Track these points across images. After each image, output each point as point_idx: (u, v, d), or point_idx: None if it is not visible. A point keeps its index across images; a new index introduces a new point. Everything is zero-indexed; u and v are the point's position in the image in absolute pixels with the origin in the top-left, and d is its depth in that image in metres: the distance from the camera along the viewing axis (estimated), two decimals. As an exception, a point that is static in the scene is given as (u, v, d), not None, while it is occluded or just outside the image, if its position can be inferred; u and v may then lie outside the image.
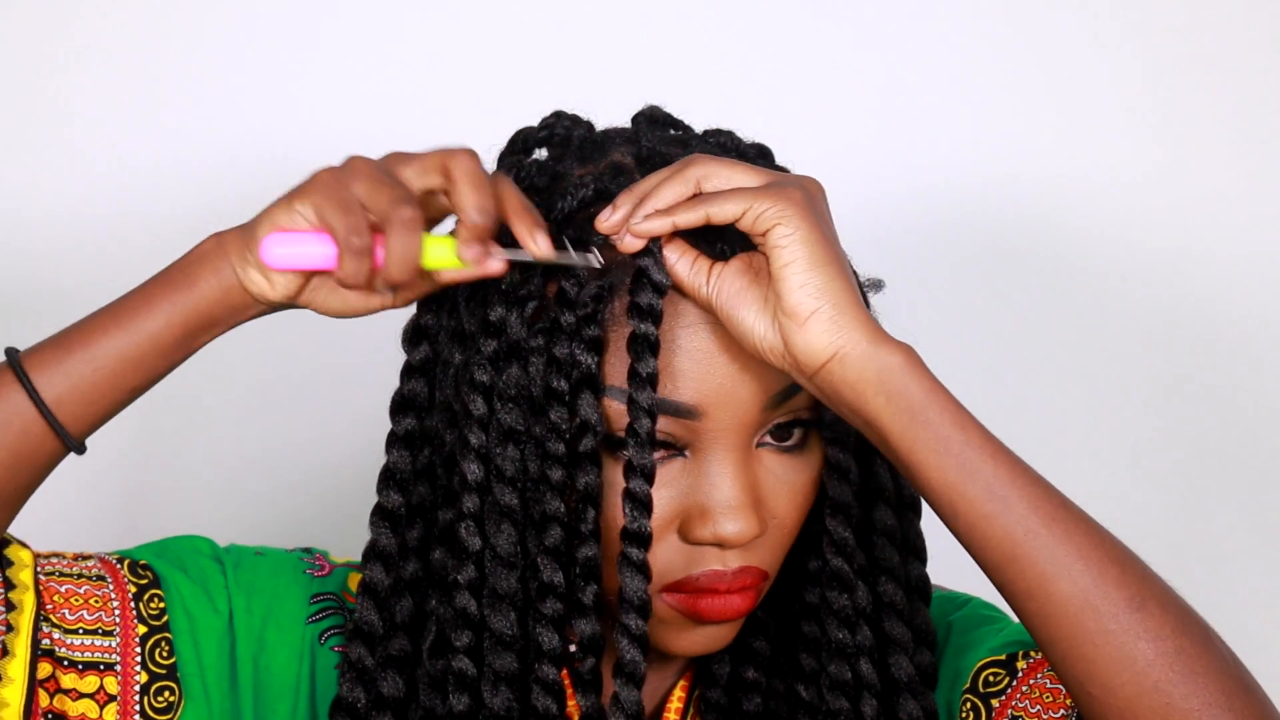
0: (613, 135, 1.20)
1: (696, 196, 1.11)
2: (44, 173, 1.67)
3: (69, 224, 1.66)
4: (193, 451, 1.68)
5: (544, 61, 1.68)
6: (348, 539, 1.28)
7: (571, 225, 1.14)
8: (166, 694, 1.18)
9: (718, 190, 1.10)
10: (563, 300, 1.12)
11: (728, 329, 1.11)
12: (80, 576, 1.18)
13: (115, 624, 1.17)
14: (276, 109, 1.68)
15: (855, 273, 1.19)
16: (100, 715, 1.16)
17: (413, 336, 1.19)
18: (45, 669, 1.15)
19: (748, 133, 1.23)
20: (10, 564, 1.16)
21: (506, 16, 1.69)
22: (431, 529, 1.18)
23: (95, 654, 1.17)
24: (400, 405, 1.19)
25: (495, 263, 1.11)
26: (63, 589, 1.17)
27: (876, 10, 1.71)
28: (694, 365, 1.12)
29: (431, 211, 1.13)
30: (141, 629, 1.18)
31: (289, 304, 1.15)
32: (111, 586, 1.18)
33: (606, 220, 1.12)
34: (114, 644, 1.17)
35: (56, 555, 1.18)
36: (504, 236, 1.12)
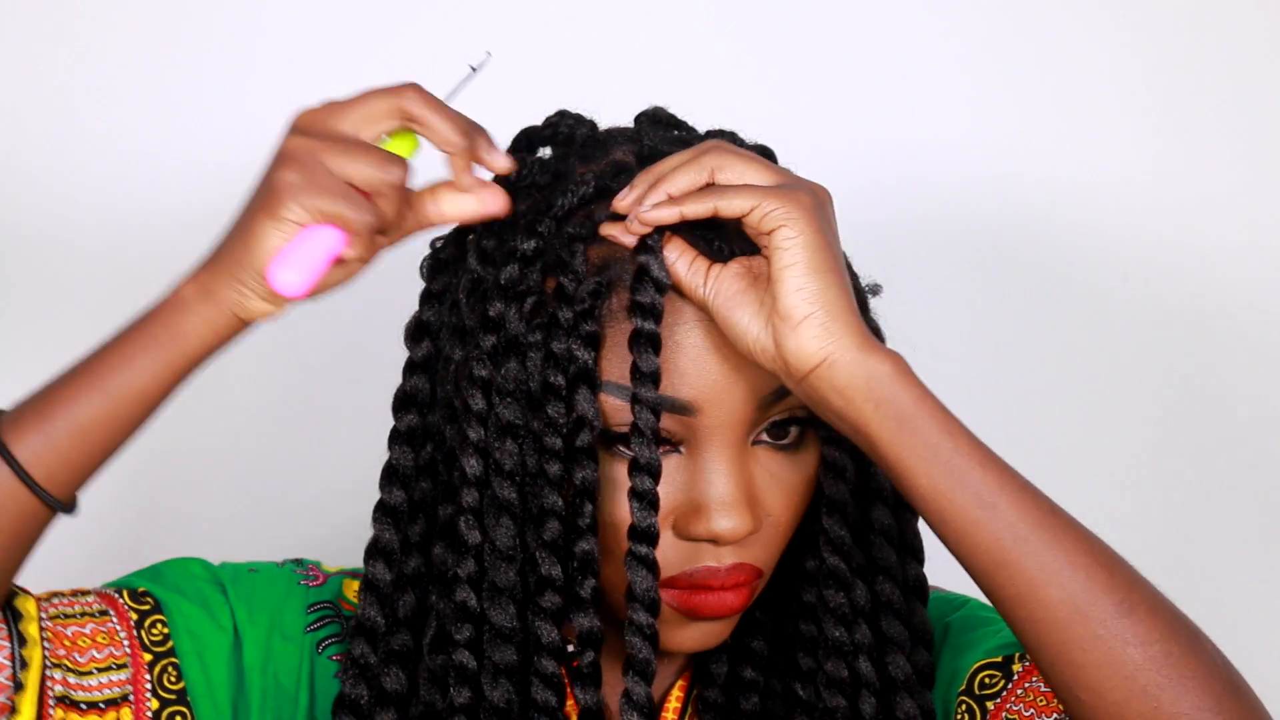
0: (615, 135, 1.20)
1: (708, 187, 1.12)
2: (43, 173, 1.66)
3: (68, 224, 1.66)
4: (191, 459, 1.68)
5: (548, 61, 1.68)
6: (346, 542, 1.28)
7: (572, 222, 1.15)
8: (178, 719, 1.18)
9: (729, 184, 1.11)
10: (561, 296, 1.13)
11: (722, 330, 1.12)
12: (84, 615, 1.17)
13: (126, 655, 1.17)
14: (277, 108, 1.67)
15: (856, 276, 1.19)
16: None
17: (415, 333, 1.20)
18: (60, 715, 1.14)
19: (750, 132, 1.23)
20: (21, 616, 1.15)
21: (512, 16, 1.69)
22: (433, 525, 1.18)
23: (111, 690, 1.16)
24: (402, 402, 1.19)
25: (495, 197, 1.13)
26: (69, 631, 1.16)
27: (877, 10, 1.71)
28: (690, 362, 1.13)
29: None
30: (148, 656, 1.18)
31: None
32: (115, 619, 1.17)
33: (622, 200, 1.13)
34: (126, 676, 1.17)
35: (56, 595, 1.18)
36: None
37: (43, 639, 1.14)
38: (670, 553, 1.15)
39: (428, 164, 1.14)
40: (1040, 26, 1.70)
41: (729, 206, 1.10)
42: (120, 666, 1.16)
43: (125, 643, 1.17)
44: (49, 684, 1.14)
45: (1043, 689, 1.17)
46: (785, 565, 1.20)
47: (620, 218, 1.13)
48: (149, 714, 1.17)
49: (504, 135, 1.19)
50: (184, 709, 1.18)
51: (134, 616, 1.18)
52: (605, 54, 1.70)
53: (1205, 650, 1.08)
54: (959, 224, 1.70)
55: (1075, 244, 1.70)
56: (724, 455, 1.13)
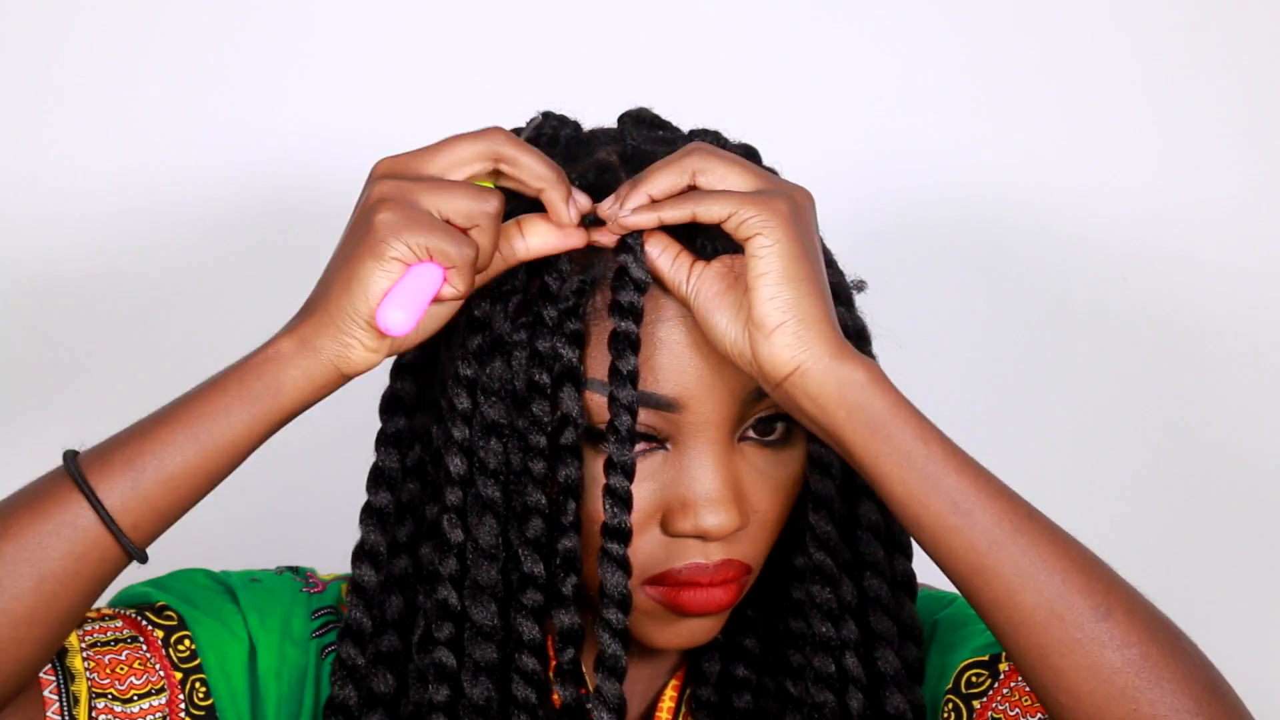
0: (599, 135, 1.20)
1: (688, 191, 1.12)
2: (40, 174, 1.67)
3: (66, 224, 1.66)
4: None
5: (532, 62, 1.68)
6: (335, 545, 1.28)
7: None
8: None
9: (710, 188, 1.11)
10: (545, 295, 1.13)
11: (702, 330, 1.12)
12: (117, 642, 1.17)
13: (162, 679, 1.17)
14: (266, 109, 1.68)
15: (841, 273, 1.19)
16: None
17: None
18: None
19: (752, 136, 1.23)
20: (65, 652, 1.16)
21: (497, 17, 1.69)
22: (421, 526, 1.19)
23: (154, 715, 1.17)
24: (390, 404, 1.20)
25: (580, 233, 1.13)
26: (106, 659, 1.16)
27: (879, 16, 1.70)
28: (674, 359, 1.13)
29: None
30: (178, 675, 1.18)
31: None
32: (145, 645, 1.18)
33: (607, 207, 1.13)
34: (164, 700, 1.17)
35: (85, 621, 1.17)
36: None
37: (86, 671, 1.15)
38: (657, 550, 1.15)
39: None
40: (1043, 31, 1.69)
41: (706, 213, 1.10)
42: (159, 691, 1.17)
43: (158, 667, 1.17)
44: (95, 715, 1.15)
45: (1028, 689, 1.17)
46: (776, 562, 1.20)
47: (602, 222, 1.14)
48: None
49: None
50: None
51: (160, 635, 1.18)
52: (590, 55, 1.70)
53: (1185, 652, 1.08)
54: (960, 229, 1.70)
55: (1076, 248, 1.70)
56: (710, 451, 1.13)
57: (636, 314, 1.11)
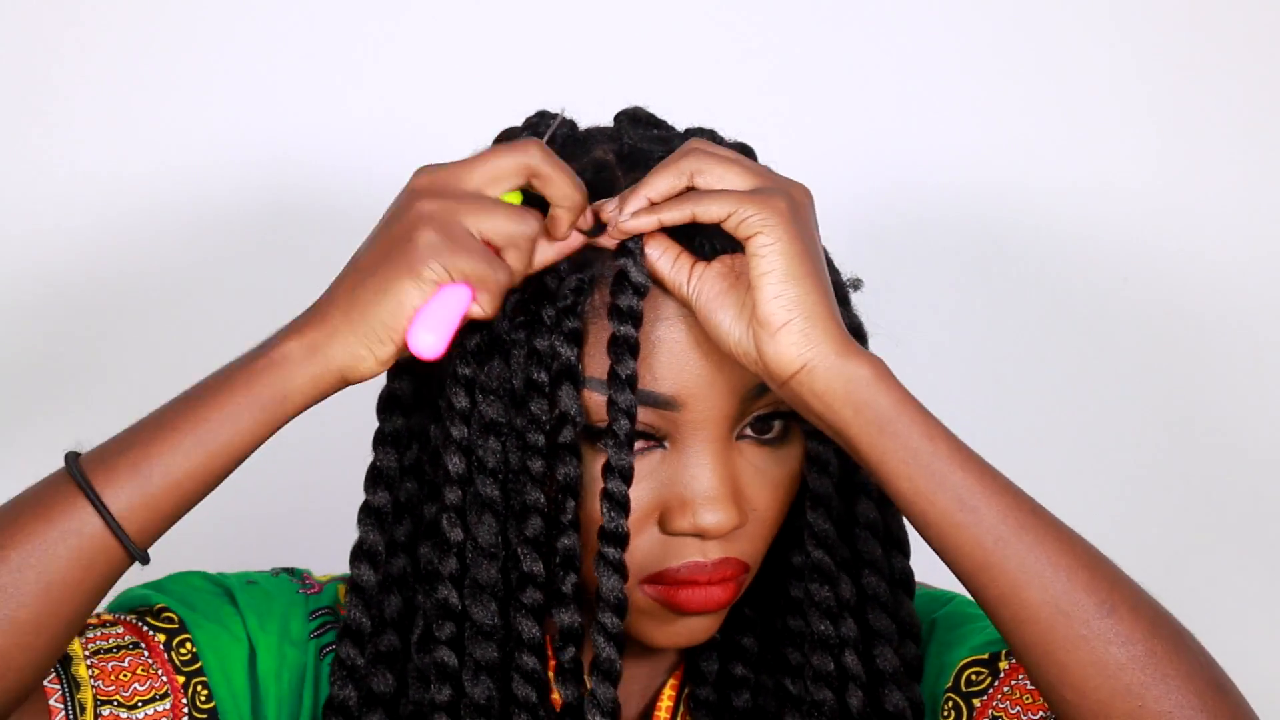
0: (595, 134, 1.20)
1: (686, 192, 1.12)
2: (40, 174, 1.67)
3: (66, 224, 1.66)
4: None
5: (531, 61, 1.68)
6: (332, 545, 1.28)
7: None
8: None
9: (708, 188, 1.11)
10: (543, 293, 1.13)
11: (705, 330, 1.12)
12: (120, 649, 1.17)
13: (165, 684, 1.17)
14: (265, 109, 1.68)
15: (837, 271, 1.19)
16: None
17: None
18: None
19: (752, 137, 1.23)
20: (70, 660, 1.15)
21: (495, 17, 1.69)
22: (419, 525, 1.18)
23: None
24: (387, 403, 1.20)
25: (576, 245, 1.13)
26: (110, 666, 1.16)
27: (880, 16, 1.70)
28: (673, 358, 1.13)
29: None
30: (180, 679, 1.18)
31: None
32: (146, 650, 1.17)
33: (607, 211, 1.13)
34: (168, 705, 1.17)
35: (86, 628, 1.17)
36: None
37: (91, 679, 1.15)
38: (655, 548, 1.15)
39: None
40: (1042, 31, 1.70)
41: (706, 213, 1.10)
42: (162, 697, 1.17)
43: (161, 673, 1.17)
44: None
45: (1028, 687, 1.17)
46: (774, 561, 1.20)
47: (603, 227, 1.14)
48: None
49: (485, 135, 1.20)
50: None
51: (161, 639, 1.18)
52: (586, 54, 1.70)
53: (1189, 648, 1.08)
54: (961, 229, 1.70)
55: (1076, 248, 1.70)
56: (708, 450, 1.13)
57: (636, 318, 1.11)
